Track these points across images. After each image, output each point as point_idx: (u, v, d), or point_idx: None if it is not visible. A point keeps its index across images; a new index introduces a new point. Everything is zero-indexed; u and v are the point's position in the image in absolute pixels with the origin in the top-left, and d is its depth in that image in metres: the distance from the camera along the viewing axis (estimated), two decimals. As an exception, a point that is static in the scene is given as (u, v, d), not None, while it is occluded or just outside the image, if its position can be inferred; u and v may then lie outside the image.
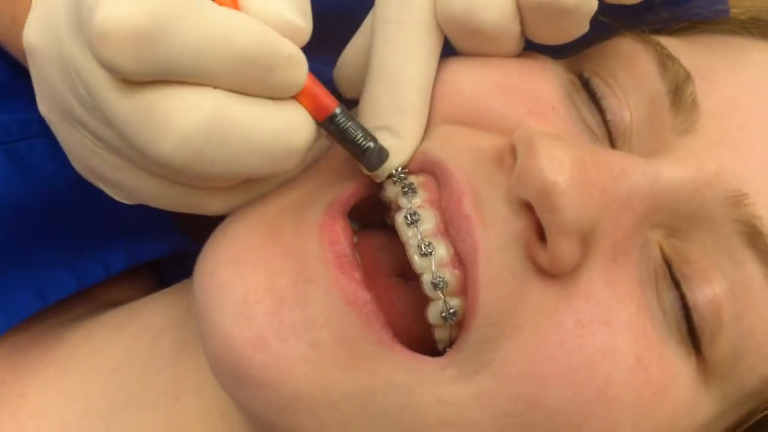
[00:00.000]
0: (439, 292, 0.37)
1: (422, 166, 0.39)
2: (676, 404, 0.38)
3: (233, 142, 0.34)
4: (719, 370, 0.39)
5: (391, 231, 0.39)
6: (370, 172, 0.38)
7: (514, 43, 0.41)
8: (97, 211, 0.52)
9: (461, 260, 0.37)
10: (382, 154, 0.38)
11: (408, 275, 0.39)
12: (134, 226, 0.54)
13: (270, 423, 0.38)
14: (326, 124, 0.37)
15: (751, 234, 0.38)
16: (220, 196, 0.39)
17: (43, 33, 0.36)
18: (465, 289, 0.37)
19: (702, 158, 0.39)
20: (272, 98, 0.35)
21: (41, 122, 0.51)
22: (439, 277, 0.37)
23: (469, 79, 0.41)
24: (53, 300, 0.50)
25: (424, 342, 0.39)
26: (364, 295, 0.36)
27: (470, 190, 0.37)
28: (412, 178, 0.39)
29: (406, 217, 0.38)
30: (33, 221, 0.50)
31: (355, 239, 0.39)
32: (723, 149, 0.39)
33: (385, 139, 0.38)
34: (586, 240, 0.37)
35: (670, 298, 0.38)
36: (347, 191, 0.39)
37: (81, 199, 0.52)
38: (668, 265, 0.39)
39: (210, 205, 0.39)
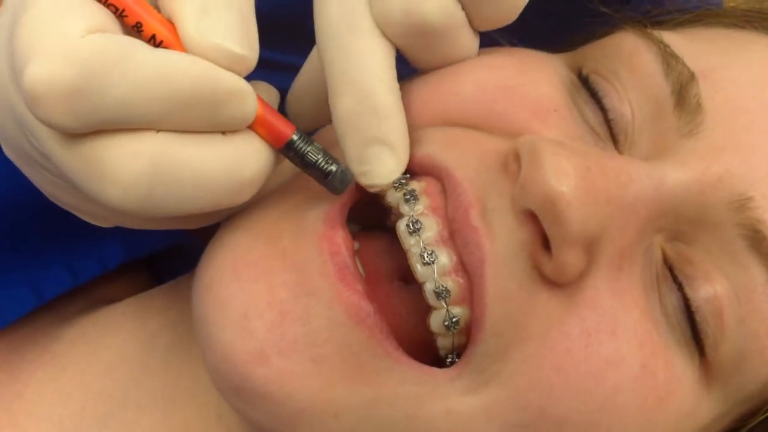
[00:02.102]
0: (442, 301, 0.37)
1: (427, 170, 0.39)
2: (680, 408, 0.38)
3: (181, 183, 0.33)
4: (722, 373, 0.39)
5: (392, 232, 0.39)
6: (336, 194, 0.37)
7: (465, 37, 0.40)
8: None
9: (467, 271, 0.37)
10: (345, 176, 0.37)
11: (409, 278, 0.39)
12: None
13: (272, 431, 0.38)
14: (284, 151, 0.36)
15: (754, 238, 0.38)
16: (193, 218, 0.38)
17: None
18: (468, 296, 0.37)
19: (706, 161, 0.38)
20: (224, 132, 0.34)
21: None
22: (442, 286, 0.36)
23: (470, 80, 0.40)
24: (49, 297, 0.49)
25: (426, 346, 0.38)
26: (367, 307, 0.36)
27: (477, 200, 0.37)
28: (413, 184, 0.38)
29: (408, 225, 0.37)
30: (27, 218, 0.50)
31: (356, 245, 0.38)
32: (727, 152, 0.38)
33: (380, 155, 0.37)
34: (590, 248, 0.36)
35: (671, 301, 0.38)
36: (345, 195, 0.38)
37: None
38: (670, 267, 0.38)
39: (187, 225, 0.39)
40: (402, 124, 0.38)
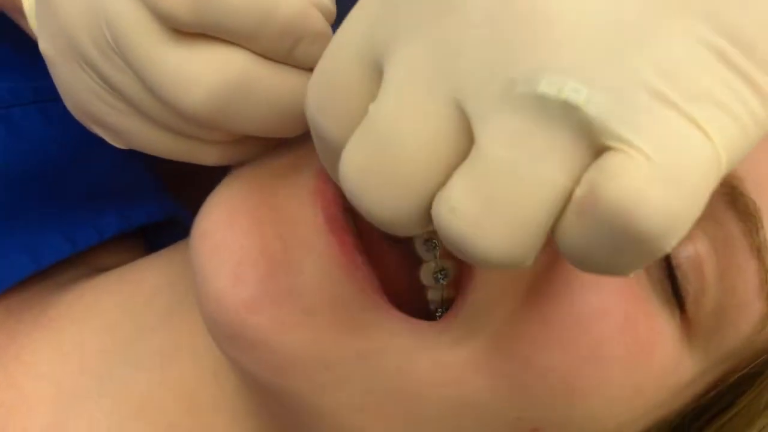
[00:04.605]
0: (432, 253, 0.38)
1: None
2: (662, 361, 0.39)
3: (257, 101, 0.35)
4: (703, 329, 0.40)
5: None
6: None
7: None
8: (89, 176, 0.53)
9: None
10: None
11: (400, 238, 0.40)
12: (126, 191, 0.54)
13: (265, 383, 0.38)
14: None
15: (731, 195, 0.39)
16: (218, 149, 0.40)
17: None
18: None
19: None
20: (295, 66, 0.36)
21: (34, 90, 0.52)
22: (433, 239, 0.37)
23: None
24: (47, 263, 0.50)
25: (417, 304, 0.39)
26: (357, 259, 0.37)
27: None
28: None
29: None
30: (26, 186, 0.51)
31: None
32: None
33: None
34: None
35: None
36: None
37: (73, 164, 0.52)
38: None
39: (206, 158, 0.40)
40: None
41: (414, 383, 0.38)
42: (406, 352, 0.38)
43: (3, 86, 0.51)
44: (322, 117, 0.30)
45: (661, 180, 0.24)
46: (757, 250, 0.39)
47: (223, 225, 0.38)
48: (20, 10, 0.44)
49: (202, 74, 0.34)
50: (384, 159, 0.27)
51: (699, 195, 0.25)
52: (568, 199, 0.26)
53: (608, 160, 0.24)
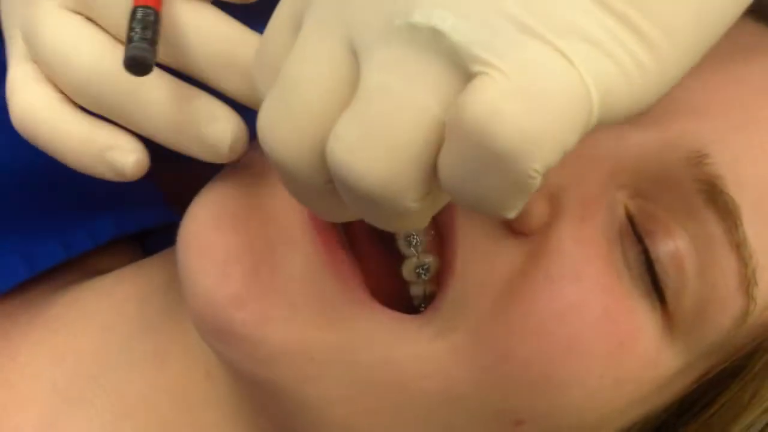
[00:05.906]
0: (413, 249, 0.38)
1: None
2: (642, 355, 0.40)
3: None
4: (683, 322, 0.40)
5: None
6: (132, 75, 0.33)
7: None
8: (83, 181, 0.53)
9: (438, 222, 0.39)
10: (135, 60, 0.32)
11: (384, 236, 0.41)
12: (122, 197, 0.55)
13: (253, 376, 0.39)
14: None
15: (711, 192, 0.39)
16: None
17: None
18: (438, 246, 0.39)
19: (664, 122, 0.40)
20: None
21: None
22: (413, 236, 0.38)
23: None
24: (42, 268, 0.51)
25: (402, 301, 0.40)
26: (340, 255, 0.38)
27: None
28: None
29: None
30: (19, 190, 0.51)
31: None
32: (684, 113, 0.40)
33: None
34: (554, 199, 0.38)
35: (634, 253, 0.40)
36: None
37: (66, 168, 0.53)
38: (632, 222, 0.40)
39: None
40: None
41: (397, 375, 0.39)
42: (389, 344, 0.38)
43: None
44: (258, 80, 0.31)
45: (517, 96, 0.25)
46: (737, 247, 0.39)
47: (210, 224, 0.39)
48: None
49: None
50: (287, 103, 0.28)
51: (560, 118, 0.25)
52: (443, 130, 0.26)
53: (471, 83, 0.25)
